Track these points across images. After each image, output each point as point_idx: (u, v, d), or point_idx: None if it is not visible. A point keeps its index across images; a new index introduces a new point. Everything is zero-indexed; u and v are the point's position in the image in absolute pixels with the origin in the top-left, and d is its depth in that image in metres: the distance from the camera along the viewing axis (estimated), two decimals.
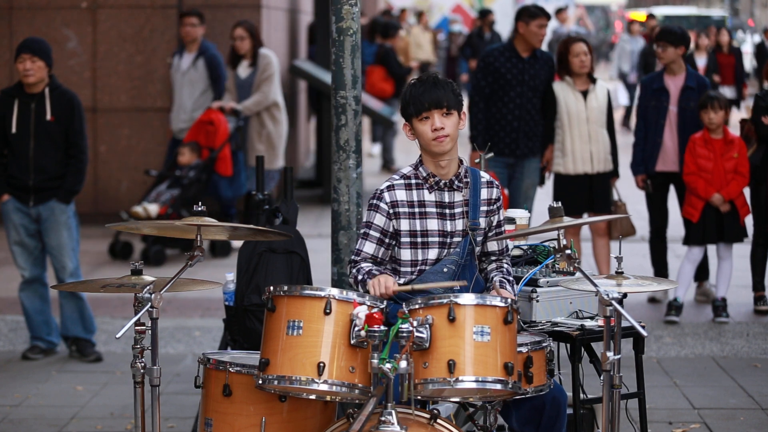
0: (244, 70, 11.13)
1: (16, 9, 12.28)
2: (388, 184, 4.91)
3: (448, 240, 4.88)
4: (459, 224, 4.90)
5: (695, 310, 8.99)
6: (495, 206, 4.98)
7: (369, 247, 4.87)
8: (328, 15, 6.13)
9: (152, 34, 12.25)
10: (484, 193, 4.95)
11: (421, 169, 4.90)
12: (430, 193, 4.88)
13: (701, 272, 9.17)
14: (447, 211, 4.89)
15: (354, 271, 4.88)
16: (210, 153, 10.78)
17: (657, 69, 9.94)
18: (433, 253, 4.88)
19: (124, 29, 12.28)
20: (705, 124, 8.53)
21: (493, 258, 5.07)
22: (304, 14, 17.16)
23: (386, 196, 4.87)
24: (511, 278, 5.01)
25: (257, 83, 11.10)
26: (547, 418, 4.75)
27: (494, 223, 5.00)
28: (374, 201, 4.89)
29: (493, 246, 5.04)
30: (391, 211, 4.86)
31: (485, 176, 5.00)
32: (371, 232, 4.87)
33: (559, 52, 9.07)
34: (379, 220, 4.87)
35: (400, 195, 4.87)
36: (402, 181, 4.90)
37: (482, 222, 4.94)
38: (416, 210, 4.87)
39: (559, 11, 23.64)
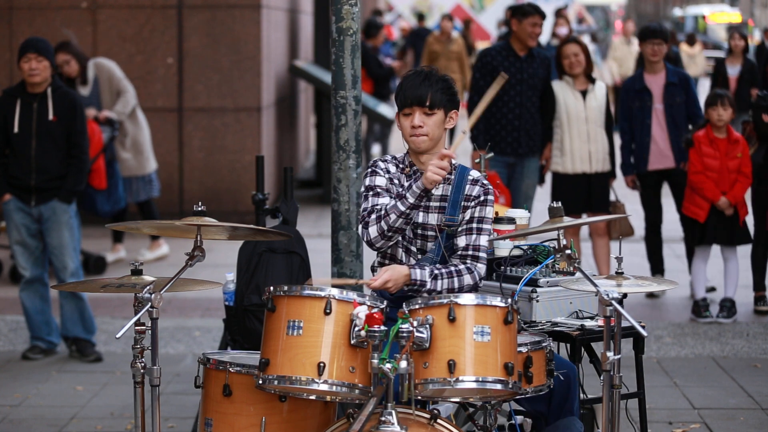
0: (84, 90, 10.13)
1: (16, 9, 12.28)
2: (381, 157, 4.96)
3: (419, 231, 4.86)
4: (432, 218, 4.86)
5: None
6: (472, 203, 4.86)
7: (383, 201, 4.79)
8: (328, 15, 6.13)
9: (152, 34, 12.25)
10: (466, 189, 4.89)
11: (405, 157, 4.94)
12: (407, 180, 4.88)
13: (659, 265, 9.29)
14: (422, 202, 4.79)
15: (369, 230, 4.73)
16: None
17: None
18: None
19: (124, 29, 12.28)
20: (713, 121, 8.53)
21: (459, 254, 4.87)
22: (304, 14, 17.17)
23: (380, 164, 4.92)
24: (455, 279, 4.79)
25: (109, 91, 10.24)
26: (558, 395, 4.75)
27: (466, 218, 4.85)
28: (370, 169, 4.92)
29: (461, 241, 4.87)
30: (386, 175, 4.89)
31: (474, 174, 4.92)
32: (380, 191, 4.84)
33: (555, 54, 9.19)
34: (380, 181, 4.87)
35: (392, 168, 4.91)
36: (393, 161, 4.95)
37: (460, 218, 4.88)
38: (398, 190, 4.86)
39: (559, 11, 23.57)
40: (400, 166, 4.93)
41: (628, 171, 9.16)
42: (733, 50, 13.44)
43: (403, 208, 4.69)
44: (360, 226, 4.83)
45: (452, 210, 4.86)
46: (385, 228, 4.73)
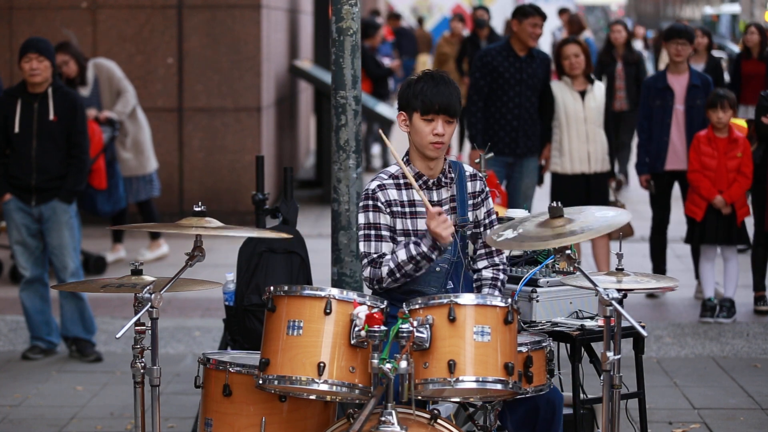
0: (84, 90, 10.07)
1: (16, 9, 12.28)
2: (378, 183, 4.82)
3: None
4: None
5: (695, 310, 8.98)
6: (480, 198, 4.92)
7: (387, 248, 4.76)
8: (328, 15, 6.13)
9: (152, 34, 12.25)
10: (469, 187, 4.91)
11: (410, 167, 4.85)
12: (424, 189, 4.86)
13: (661, 265, 9.26)
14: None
15: (380, 270, 4.72)
16: None
17: None
18: None
19: (124, 29, 12.28)
20: (713, 123, 8.53)
21: (484, 252, 4.95)
22: (304, 14, 17.17)
23: (380, 195, 4.80)
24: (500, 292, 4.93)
25: (109, 91, 10.26)
26: (542, 420, 4.74)
27: (483, 215, 4.93)
28: (369, 201, 4.79)
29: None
30: (387, 210, 4.81)
31: (469, 169, 4.95)
32: (383, 233, 4.77)
33: (554, 54, 9.18)
34: (384, 219, 4.78)
35: (393, 194, 4.82)
36: (391, 181, 4.84)
37: (470, 216, 4.90)
38: (407, 210, 4.83)
39: (561, 12, 23.55)
40: (402, 182, 4.83)
41: (643, 170, 9.12)
42: (696, 48, 12.07)
43: (420, 263, 4.68)
44: (367, 267, 4.75)
45: (462, 210, 4.87)
46: (399, 276, 4.72)
